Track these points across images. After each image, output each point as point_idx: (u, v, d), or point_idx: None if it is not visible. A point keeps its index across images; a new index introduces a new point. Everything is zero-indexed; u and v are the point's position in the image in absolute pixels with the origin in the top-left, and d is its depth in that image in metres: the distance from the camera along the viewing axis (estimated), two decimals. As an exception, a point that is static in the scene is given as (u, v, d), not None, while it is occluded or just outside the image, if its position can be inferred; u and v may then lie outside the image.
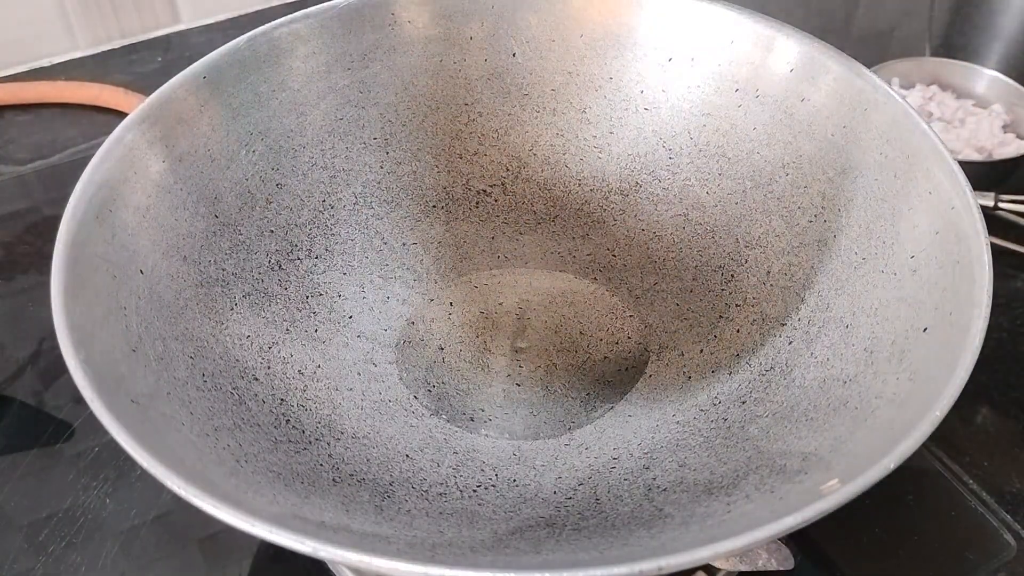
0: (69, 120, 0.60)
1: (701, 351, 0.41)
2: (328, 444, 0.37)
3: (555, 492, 0.36)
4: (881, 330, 0.35)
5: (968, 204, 0.34)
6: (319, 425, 0.37)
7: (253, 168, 0.41)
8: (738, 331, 0.41)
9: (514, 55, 0.46)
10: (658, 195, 0.46)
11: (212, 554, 0.38)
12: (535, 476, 0.37)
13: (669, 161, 0.45)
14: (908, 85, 0.59)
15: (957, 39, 0.69)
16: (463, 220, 0.47)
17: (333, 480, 0.35)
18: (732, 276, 0.43)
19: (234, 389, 0.36)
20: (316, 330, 0.41)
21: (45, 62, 0.64)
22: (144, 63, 0.65)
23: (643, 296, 0.44)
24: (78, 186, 0.35)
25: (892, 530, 0.39)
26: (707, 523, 0.32)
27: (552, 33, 0.46)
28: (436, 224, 0.46)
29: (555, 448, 0.38)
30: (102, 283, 0.34)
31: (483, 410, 0.40)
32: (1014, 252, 0.51)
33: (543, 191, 0.47)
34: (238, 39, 0.41)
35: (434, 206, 0.46)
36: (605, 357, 0.42)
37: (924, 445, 0.28)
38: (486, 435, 0.39)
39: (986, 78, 0.58)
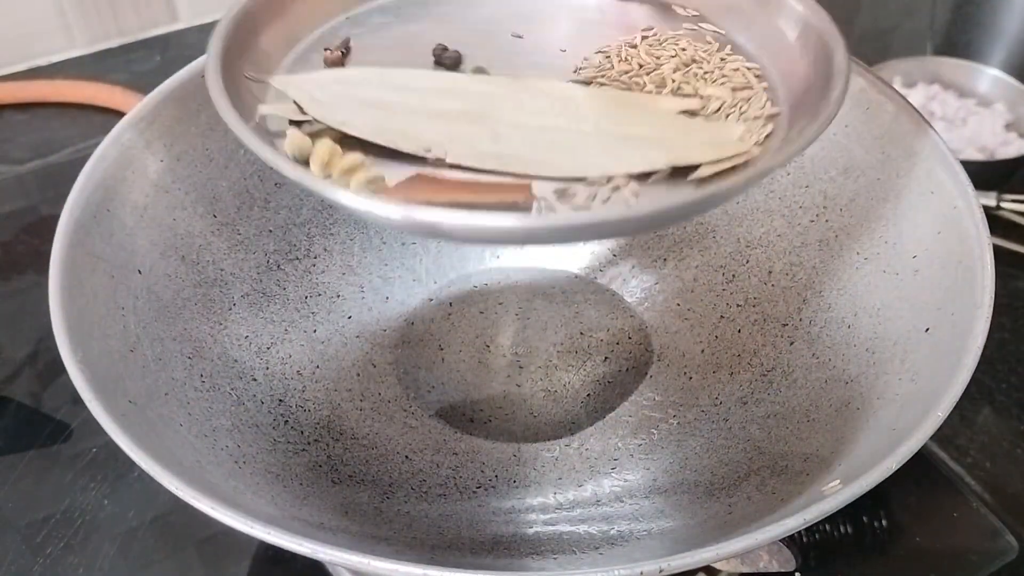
0: (67, 119, 0.60)
1: (702, 351, 0.41)
2: (327, 445, 0.37)
3: (555, 493, 0.36)
4: (883, 330, 0.35)
5: (970, 204, 0.34)
6: (318, 426, 0.37)
7: (252, 167, 0.41)
8: (739, 331, 0.41)
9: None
10: (659, 195, 0.45)
11: (211, 556, 0.38)
12: (535, 477, 0.37)
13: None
14: (910, 84, 0.59)
15: (959, 38, 0.69)
16: (463, 220, 0.46)
17: (332, 481, 0.35)
18: (733, 276, 0.42)
19: (232, 390, 0.36)
20: (315, 330, 0.41)
21: (42, 61, 0.64)
22: (142, 62, 0.65)
23: (643, 296, 0.44)
24: (76, 185, 0.35)
25: (894, 531, 0.39)
26: (708, 524, 0.32)
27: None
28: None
29: (555, 449, 0.38)
30: (100, 283, 0.34)
31: (483, 411, 0.40)
32: (1016, 252, 0.51)
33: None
34: (237, 38, 0.41)
35: (434, 206, 0.46)
36: (606, 358, 0.42)
37: (926, 446, 0.28)
38: (486, 436, 0.39)
39: (988, 77, 0.58)
